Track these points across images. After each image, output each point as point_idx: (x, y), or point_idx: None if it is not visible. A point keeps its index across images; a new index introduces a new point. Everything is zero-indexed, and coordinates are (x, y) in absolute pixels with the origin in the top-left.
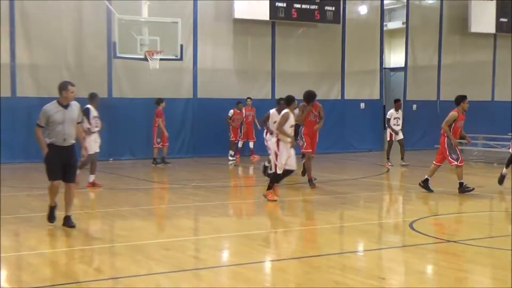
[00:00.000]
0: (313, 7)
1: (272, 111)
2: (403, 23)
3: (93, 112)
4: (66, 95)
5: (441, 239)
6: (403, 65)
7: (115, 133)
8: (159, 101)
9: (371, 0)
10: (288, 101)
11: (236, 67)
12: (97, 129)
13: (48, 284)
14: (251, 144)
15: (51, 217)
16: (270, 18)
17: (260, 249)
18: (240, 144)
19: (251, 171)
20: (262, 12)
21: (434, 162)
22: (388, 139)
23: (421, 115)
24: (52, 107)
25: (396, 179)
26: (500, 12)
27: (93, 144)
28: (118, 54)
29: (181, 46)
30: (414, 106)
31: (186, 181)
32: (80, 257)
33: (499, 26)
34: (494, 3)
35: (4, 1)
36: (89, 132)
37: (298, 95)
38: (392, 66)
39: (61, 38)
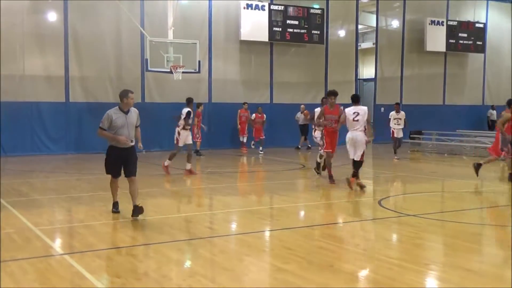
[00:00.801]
0: (302, 31)
1: (317, 109)
2: (373, 44)
3: (191, 113)
4: (126, 101)
5: (402, 213)
6: (373, 76)
7: (146, 130)
8: (198, 104)
9: (348, 24)
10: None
11: (242, 78)
12: (188, 127)
13: (94, 249)
14: (244, 139)
15: (114, 210)
16: (269, 39)
17: (259, 221)
18: (244, 139)
19: (253, 160)
20: (262, 35)
21: (493, 153)
22: (391, 136)
23: (387, 115)
24: (114, 112)
25: (369, 166)
26: (449, 35)
27: (186, 138)
28: (149, 68)
29: (199, 62)
30: (382, 109)
31: (202, 168)
32: (119, 228)
33: (448, 46)
34: (444, 28)
35: (59, 25)
36: (185, 128)
37: (290, 101)
38: (365, 77)
39: (105, 55)
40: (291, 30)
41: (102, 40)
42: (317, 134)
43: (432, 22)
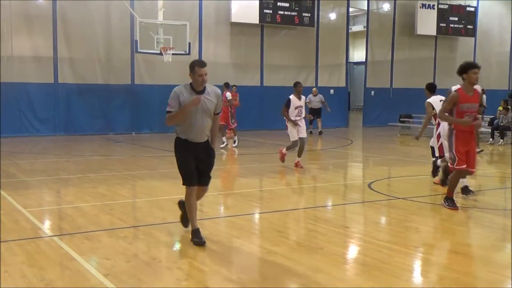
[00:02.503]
0: (293, 13)
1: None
2: (364, 27)
3: (295, 102)
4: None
5: (392, 196)
6: (364, 59)
7: (136, 112)
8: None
9: (339, 7)
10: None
11: (232, 60)
12: (298, 118)
13: (83, 231)
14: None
15: (196, 239)
16: (260, 22)
17: (250, 204)
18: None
19: (244, 144)
20: (253, 17)
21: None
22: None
23: (378, 99)
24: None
25: (359, 150)
26: (439, 18)
27: (294, 132)
28: (139, 50)
29: (189, 43)
30: (372, 92)
31: None
32: (108, 210)
33: (439, 29)
34: (435, 11)
35: (47, 6)
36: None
37: (281, 83)
38: (355, 60)
39: (94, 36)
40: (281, 12)
41: (91, 21)
42: (438, 139)
43: (423, 5)
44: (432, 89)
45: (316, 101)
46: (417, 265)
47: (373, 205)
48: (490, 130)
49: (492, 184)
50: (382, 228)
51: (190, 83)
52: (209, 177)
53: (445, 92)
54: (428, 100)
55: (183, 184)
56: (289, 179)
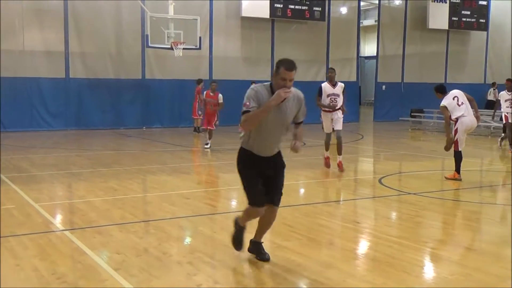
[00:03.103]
0: (304, 7)
1: None
2: (375, 21)
3: (327, 89)
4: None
5: (403, 191)
6: (375, 54)
7: (147, 106)
8: (199, 81)
9: (350, 1)
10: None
11: (243, 55)
12: (329, 108)
13: (94, 225)
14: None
15: (238, 242)
16: (270, 16)
17: None
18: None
19: None
20: (263, 11)
21: None
22: (504, 122)
23: (389, 93)
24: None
25: (369, 144)
26: (452, 12)
27: (328, 122)
28: (150, 44)
29: (200, 38)
30: (383, 87)
31: (203, 144)
32: (119, 205)
33: (451, 23)
34: (447, 5)
35: (58, 1)
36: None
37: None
38: (366, 55)
39: (105, 31)
40: (292, 6)
41: (102, 16)
42: None
43: None
44: (442, 90)
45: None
46: (428, 261)
47: (384, 200)
48: (502, 125)
49: (505, 180)
50: (393, 223)
51: (271, 84)
52: (280, 195)
53: (456, 86)
54: (442, 103)
55: (250, 205)
56: (300, 174)
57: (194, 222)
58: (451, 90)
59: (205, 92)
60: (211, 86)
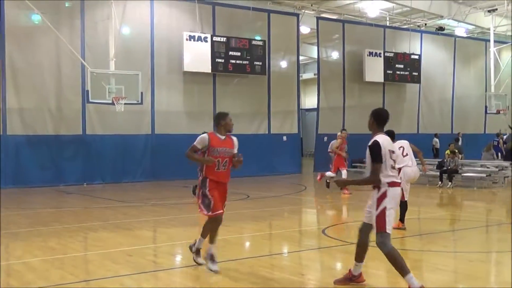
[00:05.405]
0: (245, 62)
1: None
2: (314, 74)
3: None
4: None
5: (347, 242)
6: (315, 106)
7: (88, 162)
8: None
9: (289, 57)
10: None
11: (185, 109)
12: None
13: (31, 286)
14: None
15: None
16: (212, 71)
17: (205, 254)
18: None
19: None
20: (205, 66)
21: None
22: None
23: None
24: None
25: (312, 195)
26: (386, 66)
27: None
28: (90, 100)
29: (142, 93)
30: (325, 138)
31: (146, 200)
32: (58, 264)
33: (386, 76)
34: (382, 59)
35: None
36: None
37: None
38: (307, 107)
39: (44, 87)
40: (233, 61)
41: (41, 71)
42: None
43: (370, 53)
44: (391, 136)
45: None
46: None
47: (329, 251)
48: (439, 173)
49: (442, 227)
50: (338, 274)
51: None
52: None
53: (409, 136)
54: None
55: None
56: (244, 227)
57: (137, 280)
58: (399, 140)
59: None
60: None
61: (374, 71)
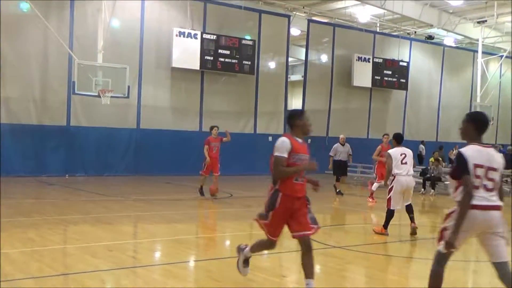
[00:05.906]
0: (234, 61)
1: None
2: (302, 76)
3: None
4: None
5: (328, 245)
6: (301, 108)
7: (71, 153)
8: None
9: (278, 58)
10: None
11: (172, 104)
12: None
13: (9, 278)
14: None
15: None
16: (200, 68)
17: (186, 251)
18: None
19: (183, 189)
20: (194, 63)
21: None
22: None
23: (313, 147)
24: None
25: None
26: (374, 71)
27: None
28: (76, 91)
29: (128, 87)
30: (309, 140)
31: (128, 194)
32: (37, 257)
33: (374, 82)
34: (370, 65)
35: None
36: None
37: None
38: (293, 108)
39: (30, 76)
40: (222, 59)
41: (27, 59)
42: None
43: (359, 58)
44: (399, 140)
45: (344, 151)
46: None
47: None
48: (422, 180)
49: (423, 234)
50: (318, 277)
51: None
52: None
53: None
54: (390, 151)
55: None
56: (227, 226)
57: (116, 275)
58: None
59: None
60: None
61: (362, 76)
